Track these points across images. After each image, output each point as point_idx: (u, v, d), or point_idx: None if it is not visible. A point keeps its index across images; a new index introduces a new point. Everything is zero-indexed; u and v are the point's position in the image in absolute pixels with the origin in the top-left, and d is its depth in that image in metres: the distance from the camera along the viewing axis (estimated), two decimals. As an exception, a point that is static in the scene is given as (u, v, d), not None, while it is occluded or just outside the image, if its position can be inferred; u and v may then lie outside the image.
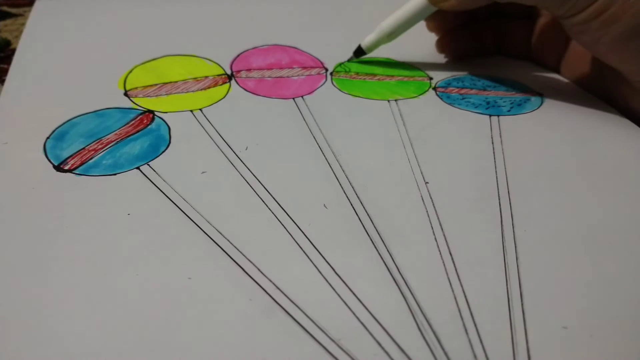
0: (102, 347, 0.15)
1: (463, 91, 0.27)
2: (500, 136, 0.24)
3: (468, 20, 0.29)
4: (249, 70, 0.28)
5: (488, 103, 0.26)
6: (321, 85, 0.27)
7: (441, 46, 0.30)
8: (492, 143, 0.24)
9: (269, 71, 0.28)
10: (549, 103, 0.27)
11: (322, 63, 0.29)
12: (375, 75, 0.29)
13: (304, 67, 0.29)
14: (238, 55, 0.29)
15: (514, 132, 0.24)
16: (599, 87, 0.27)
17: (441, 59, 0.30)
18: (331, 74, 0.29)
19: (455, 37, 0.30)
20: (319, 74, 0.28)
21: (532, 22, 0.29)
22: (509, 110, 0.26)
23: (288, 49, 0.30)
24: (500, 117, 0.25)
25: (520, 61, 0.30)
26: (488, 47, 0.30)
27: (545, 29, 0.29)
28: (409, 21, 0.27)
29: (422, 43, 0.30)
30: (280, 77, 0.28)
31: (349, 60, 0.29)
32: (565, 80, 0.29)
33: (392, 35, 0.28)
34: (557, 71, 0.29)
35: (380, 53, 0.30)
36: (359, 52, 0.29)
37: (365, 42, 0.29)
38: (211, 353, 0.15)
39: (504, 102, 0.27)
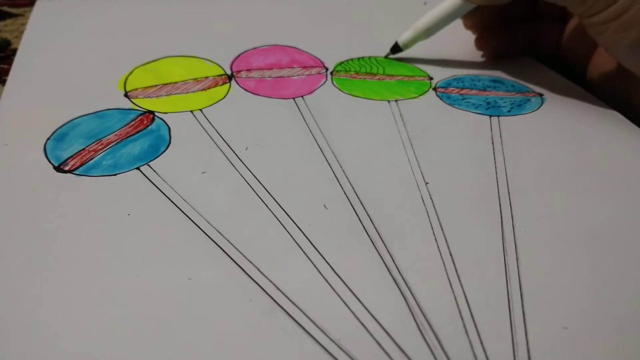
0: (102, 347, 0.15)
1: (463, 91, 0.27)
2: (501, 137, 0.24)
3: (503, 21, 0.30)
4: (249, 70, 0.28)
5: (488, 103, 0.26)
6: (321, 85, 0.27)
7: (479, 44, 0.30)
8: (492, 143, 0.24)
9: (269, 71, 0.28)
10: (549, 103, 0.27)
11: (322, 62, 0.29)
12: (375, 74, 0.29)
13: (304, 67, 0.29)
14: (238, 56, 0.29)
15: (514, 133, 0.24)
16: (622, 91, 0.27)
17: (442, 58, 0.30)
18: (331, 73, 0.29)
19: (492, 36, 0.30)
20: (319, 73, 0.28)
21: (564, 24, 0.29)
22: (509, 111, 0.26)
23: (288, 48, 0.30)
24: (501, 118, 0.25)
25: (521, 61, 0.30)
26: (521, 48, 0.31)
27: (574, 31, 0.29)
28: (446, 19, 0.28)
29: (422, 42, 0.30)
30: (281, 77, 0.28)
31: (385, 57, 0.30)
32: (565, 80, 0.29)
33: (428, 32, 0.28)
34: (584, 74, 0.29)
35: (382, 52, 0.30)
36: (396, 48, 0.29)
37: (401, 39, 0.29)
38: (211, 353, 0.15)
39: (504, 102, 0.27)
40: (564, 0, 0.24)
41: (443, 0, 0.28)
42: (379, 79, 0.28)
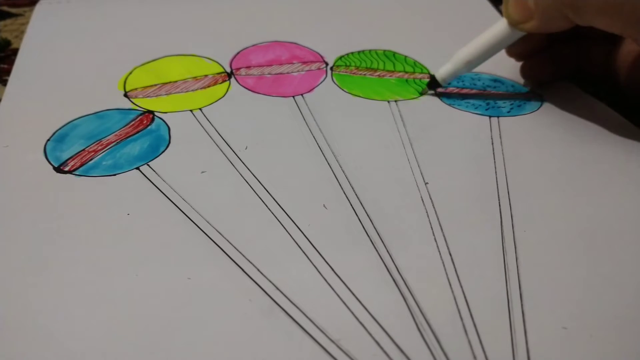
0: (102, 347, 0.15)
1: (463, 92, 0.27)
2: (500, 137, 0.24)
3: (550, 44, 0.27)
4: (248, 67, 0.28)
5: (488, 104, 0.26)
6: (321, 82, 0.27)
7: (526, 73, 0.28)
8: (492, 144, 0.24)
9: (268, 68, 0.28)
10: (548, 104, 0.27)
11: (322, 57, 0.29)
12: (375, 70, 0.28)
13: (304, 62, 0.29)
14: (238, 53, 0.29)
15: (513, 133, 0.24)
16: None
17: (443, 55, 0.30)
18: (331, 68, 0.28)
19: (539, 63, 0.28)
20: (319, 69, 0.28)
21: (615, 45, 0.27)
22: (508, 112, 0.26)
23: (287, 44, 0.30)
24: (500, 118, 0.25)
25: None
26: (568, 72, 0.28)
27: (627, 54, 0.26)
28: (491, 50, 0.25)
29: (424, 38, 0.30)
30: (280, 73, 0.28)
31: (421, 94, 0.27)
32: (565, 81, 0.28)
33: (470, 64, 0.26)
34: (638, 96, 0.27)
35: (382, 45, 0.30)
36: (434, 83, 0.26)
37: (440, 73, 0.26)
38: (211, 353, 0.15)
39: (504, 103, 0.26)
40: (629, 32, 0.22)
41: (486, 29, 0.25)
42: (379, 75, 0.28)
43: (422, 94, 0.27)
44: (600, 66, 0.28)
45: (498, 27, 0.25)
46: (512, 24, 0.24)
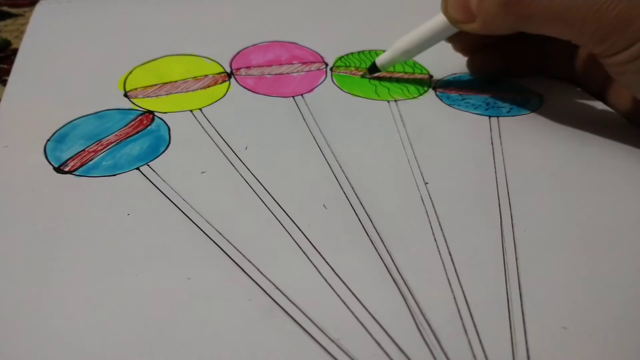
0: (102, 347, 0.15)
1: (463, 91, 0.27)
2: (500, 137, 0.24)
3: (499, 40, 0.26)
4: (248, 67, 0.28)
5: (488, 104, 0.26)
6: (321, 83, 0.27)
7: (471, 67, 0.28)
8: (492, 144, 0.24)
9: (268, 68, 0.28)
10: (548, 104, 0.27)
11: (322, 57, 0.29)
12: None
13: (304, 63, 0.29)
14: (238, 53, 0.29)
15: (513, 133, 0.24)
16: None
17: (443, 55, 0.30)
18: (331, 69, 0.28)
19: (485, 58, 0.28)
20: (318, 69, 0.28)
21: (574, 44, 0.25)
22: (508, 111, 0.26)
23: (287, 44, 0.30)
24: (500, 118, 0.25)
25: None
26: (524, 68, 0.28)
27: (589, 56, 0.26)
28: (427, 41, 0.26)
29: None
30: (280, 73, 0.28)
31: (362, 77, 0.28)
32: (564, 81, 0.28)
33: (407, 54, 0.26)
34: (602, 98, 0.27)
35: (382, 45, 0.30)
36: (374, 69, 0.28)
37: (380, 60, 0.27)
38: (210, 353, 0.15)
39: (504, 103, 0.26)
40: (581, 39, 0.22)
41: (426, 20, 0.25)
42: (379, 76, 0.28)
43: (362, 76, 0.28)
44: (562, 65, 0.27)
45: (437, 19, 0.25)
46: (452, 22, 0.24)
